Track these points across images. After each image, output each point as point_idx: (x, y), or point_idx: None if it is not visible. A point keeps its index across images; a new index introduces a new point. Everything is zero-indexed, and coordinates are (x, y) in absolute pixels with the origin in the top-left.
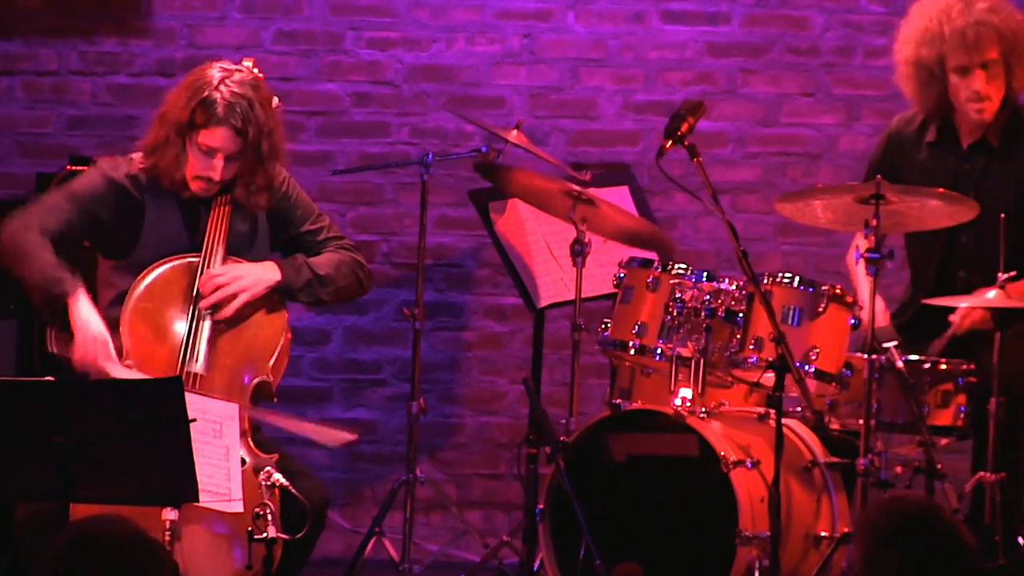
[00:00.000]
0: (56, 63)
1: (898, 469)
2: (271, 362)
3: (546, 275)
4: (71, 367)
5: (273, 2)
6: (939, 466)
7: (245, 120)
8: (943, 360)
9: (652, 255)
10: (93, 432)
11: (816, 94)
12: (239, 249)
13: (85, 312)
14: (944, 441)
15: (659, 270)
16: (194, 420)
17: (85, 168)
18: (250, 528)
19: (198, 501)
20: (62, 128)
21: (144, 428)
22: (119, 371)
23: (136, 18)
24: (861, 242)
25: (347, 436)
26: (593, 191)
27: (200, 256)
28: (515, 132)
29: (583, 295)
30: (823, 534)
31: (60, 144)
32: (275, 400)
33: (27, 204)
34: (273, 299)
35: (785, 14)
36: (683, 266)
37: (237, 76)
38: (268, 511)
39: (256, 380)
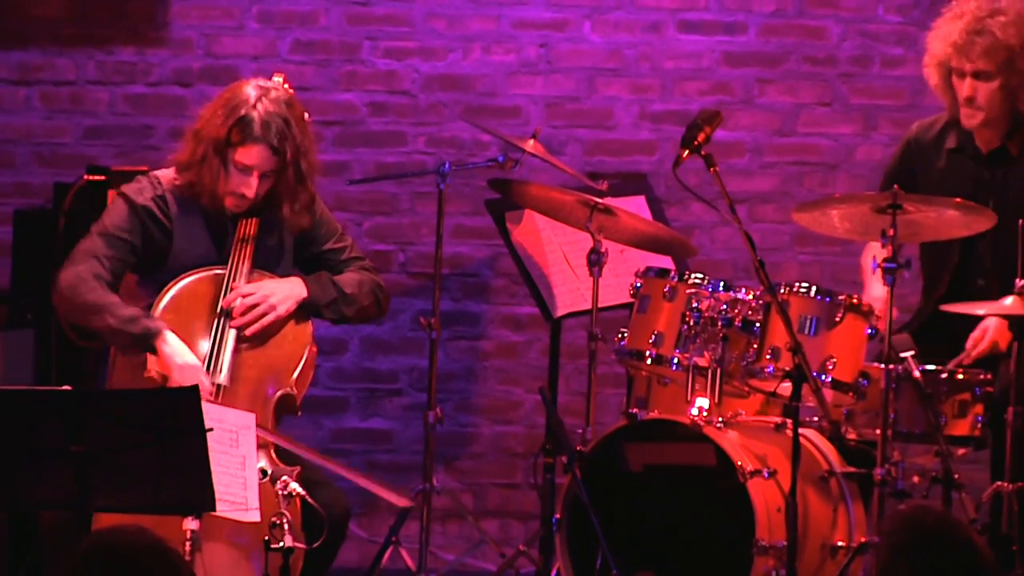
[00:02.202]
0: (73, 73)
1: (915, 479)
2: (295, 375)
3: (563, 285)
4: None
5: (290, 12)
6: (956, 476)
7: (281, 138)
8: (960, 370)
9: (669, 264)
10: (110, 441)
11: (833, 104)
12: (266, 264)
13: (172, 346)
14: (961, 451)
15: (676, 280)
16: (211, 429)
17: (103, 178)
18: (266, 537)
19: (215, 510)
20: (79, 138)
21: (161, 437)
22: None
23: (153, 28)
24: (877, 250)
25: (401, 501)
26: (609, 200)
27: (226, 268)
28: (531, 142)
29: (600, 305)
30: (840, 544)
31: (77, 154)
32: (299, 413)
33: (70, 257)
34: (299, 313)
35: (802, 24)
36: (700, 276)
37: (273, 94)
38: (284, 520)
39: (280, 392)
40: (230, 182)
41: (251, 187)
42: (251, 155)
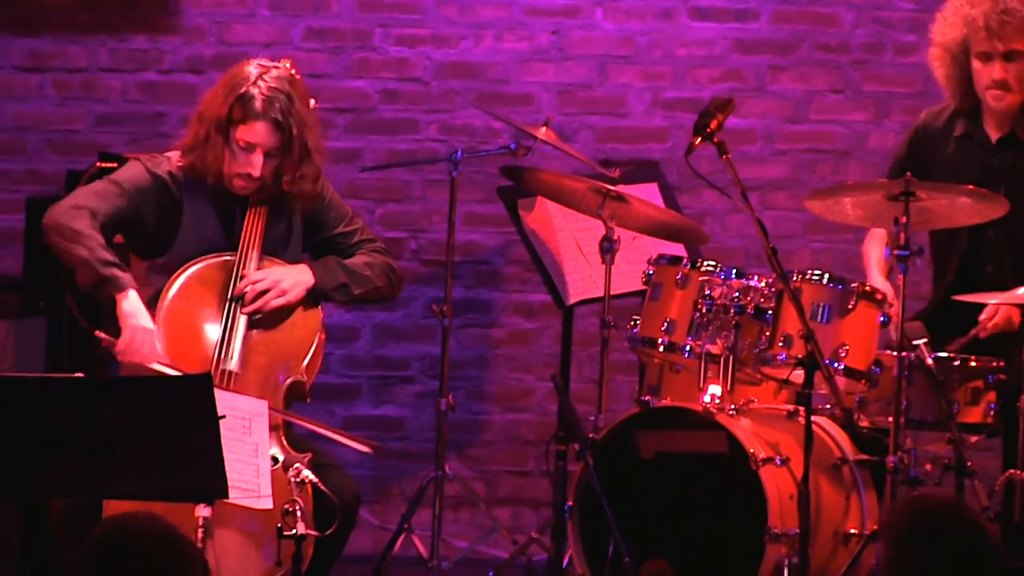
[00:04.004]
0: (86, 60)
1: (928, 466)
2: (305, 362)
3: (575, 272)
4: (109, 355)
5: None
6: (969, 463)
7: (284, 114)
8: (973, 357)
9: (681, 252)
10: (122, 428)
11: (845, 91)
12: (275, 249)
13: (133, 304)
14: (974, 438)
15: (688, 267)
16: (223, 417)
17: (115, 164)
18: (279, 525)
19: (227, 497)
20: (92, 125)
21: (173, 424)
22: (158, 368)
23: (165, 15)
24: (879, 237)
25: (365, 448)
26: (621, 188)
27: (236, 255)
28: (544, 129)
29: (612, 292)
30: (852, 531)
31: (90, 141)
32: (308, 400)
33: (75, 191)
34: (307, 300)
35: (814, 11)
36: (712, 263)
37: (274, 72)
38: (297, 507)
39: (290, 380)
40: (235, 162)
41: (256, 166)
42: (254, 132)
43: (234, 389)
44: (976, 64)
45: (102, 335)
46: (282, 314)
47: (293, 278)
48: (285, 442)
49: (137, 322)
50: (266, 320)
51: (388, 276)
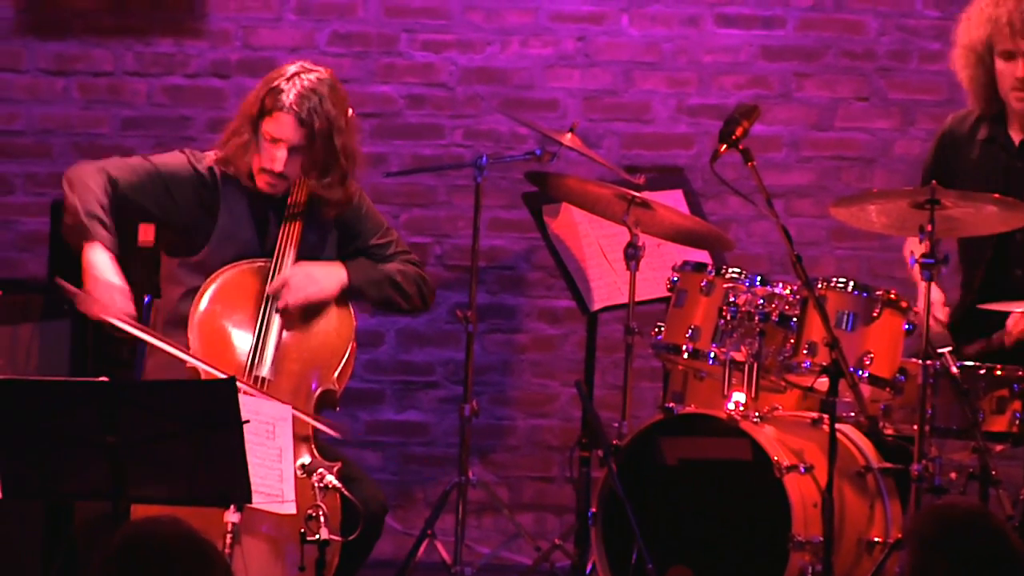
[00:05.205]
0: (111, 64)
1: (952, 475)
2: (338, 372)
3: (599, 278)
4: (69, 304)
5: (328, 4)
6: (994, 472)
7: (311, 112)
8: (999, 366)
9: (706, 259)
10: (145, 432)
11: (871, 98)
12: (308, 258)
13: (101, 259)
14: (999, 447)
15: (713, 274)
16: (247, 421)
17: None
18: (302, 530)
19: (251, 502)
20: (117, 129)
21: (197, 429)
22: (121, 323)
23: (191, 19)
24: (915, 247)
25: (335, 433)
26: (646, 194)
27: (270, 261)
28: (569, 135)
29: (636, 298)
30: (876, 540)
31: (115, 145)
32: (337, 409)
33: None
34: (342, 306)
35: (840, 18)
36: (737, 270)
37: (314, 75)
38: (321, 513)
39: (322, 388)
40: (261, 157)
41: (279, 160)
42: (278, 124)
43: (267, 395)
44: (1000, 64)
45: (63, 283)
46: (316, 321)
47: (327, 273)
48: (315, 451)
49: (102, 275)
50: (300, 327)
51: (419, 285)
